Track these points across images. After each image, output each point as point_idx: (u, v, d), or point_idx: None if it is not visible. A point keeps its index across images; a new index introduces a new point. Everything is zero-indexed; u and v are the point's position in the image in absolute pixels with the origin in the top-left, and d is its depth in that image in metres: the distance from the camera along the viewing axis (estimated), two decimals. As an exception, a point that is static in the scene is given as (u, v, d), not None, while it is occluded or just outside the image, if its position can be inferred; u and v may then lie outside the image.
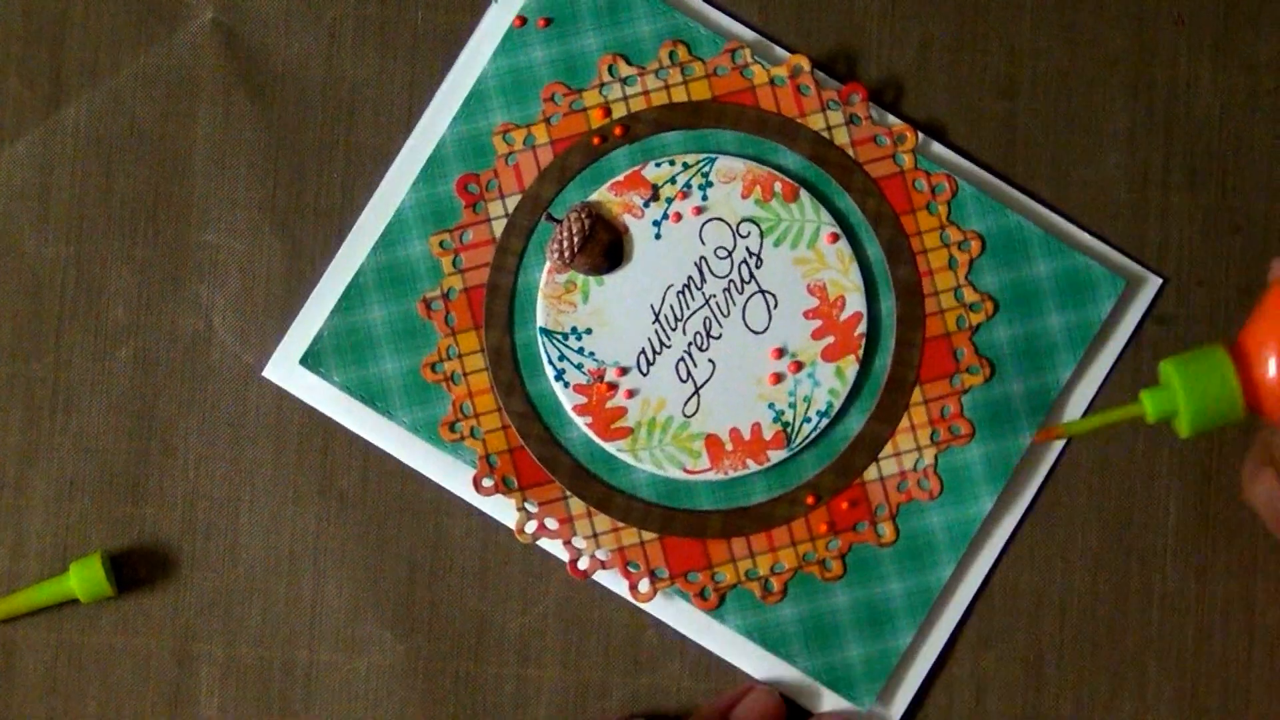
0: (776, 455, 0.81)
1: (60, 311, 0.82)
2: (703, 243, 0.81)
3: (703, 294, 0.81)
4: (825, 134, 0.81)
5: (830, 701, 0.81)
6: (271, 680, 0.82)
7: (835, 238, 0.81)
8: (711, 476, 0.81)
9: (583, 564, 0.81)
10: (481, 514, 0.82)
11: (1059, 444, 0.81)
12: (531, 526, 0.81)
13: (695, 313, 0.81)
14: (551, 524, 0.81)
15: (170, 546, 0.82)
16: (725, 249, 0.81)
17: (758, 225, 0.81)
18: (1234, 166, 0.83)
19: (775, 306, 0.81)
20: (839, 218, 0.81)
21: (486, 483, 0.81)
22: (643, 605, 0.81)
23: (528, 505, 0.81)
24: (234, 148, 0.82)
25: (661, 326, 0.81)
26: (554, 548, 0.82)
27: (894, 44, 0.83)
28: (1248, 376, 0.68)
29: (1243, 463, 0.74)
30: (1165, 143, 0.83)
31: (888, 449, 0.81)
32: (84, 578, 0.80)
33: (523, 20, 0.82)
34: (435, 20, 0.83)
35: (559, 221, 0.81)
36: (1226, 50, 0.83)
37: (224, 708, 0.82)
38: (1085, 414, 0.80)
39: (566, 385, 0.81)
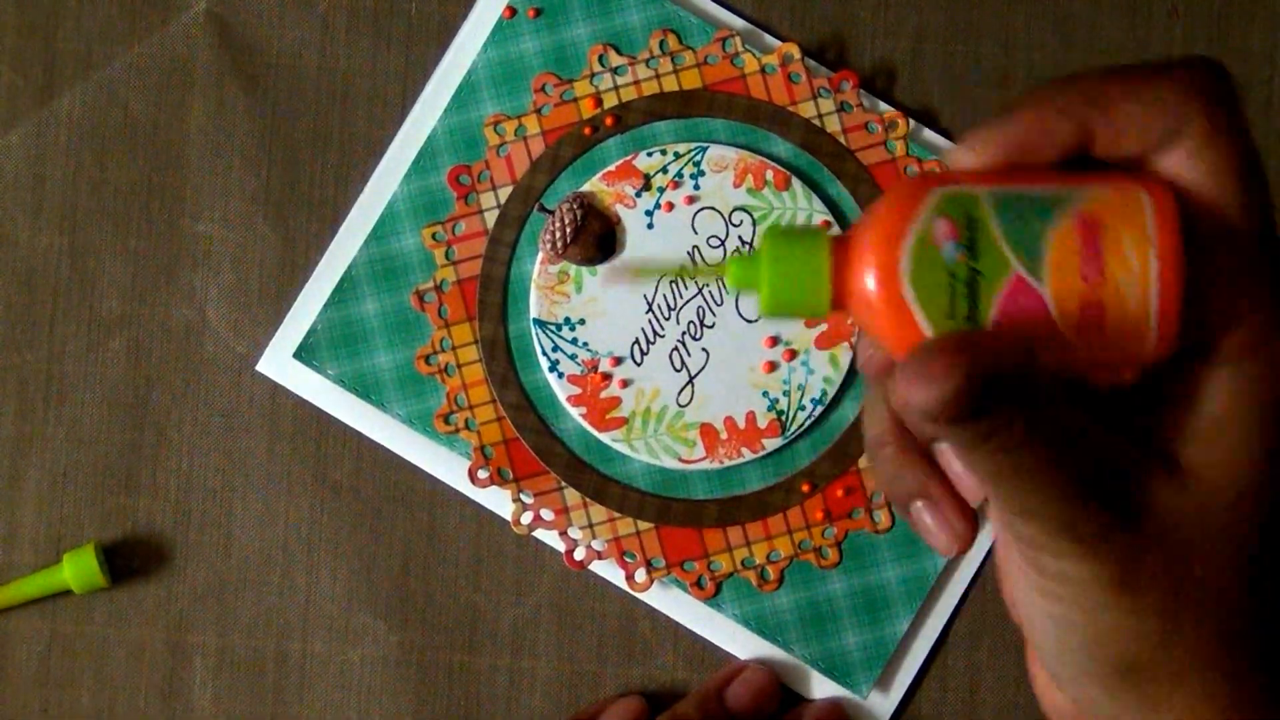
0: (771, 443, 0.81)
1: (53, 302, 0.82)
2: (695, 232, 0.81)
3: (695, 283, 0.81)
4: (816, 121, 0.81)
5: (821, 685, 0.81)
6: (265, 671, 0.82)
7: (828, 225, 0.81)
8: (707, 465, 0.81)
9: (579, 554, 0.81)
10: (475, 505, 0.82)
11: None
12: (528, 518, 0.81)
13: (688, 302, 0.81)
14: (547, 515, 0.81)
15: (163, 537, 0.82)
16: (718, 238, 0.81)
17: (750, 214, 0.81)
18: (1228, 158, 0.83)
19: (768, 295, 0.81)
20: (831, 205, 0.81)
21: (482, 474, 0.81)
22: (639, 595, 0.81)
23: (523, 496, 0.81)
24: (227, 138, 0.83)
25: (655, 316, 0.81)
26: (549, 538, 0.81)
27: (888, 34, 0.83)
28: (844, 273, 0.54)
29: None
30: (1159, 134, 0.83)
31: (882, 436, 0.81)
32: (77, 569, 0.80)
33: (512, 11, 0.82)
34: (429, 10, 0.83)
35: (551, 212, 0.81)
36: (1220, 41, 0.83)
37: (217, 698, 0.82)
38: None
39: (561, 376, 0.81)
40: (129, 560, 0.82)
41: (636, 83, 0.81)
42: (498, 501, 0.82)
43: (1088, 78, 0.53)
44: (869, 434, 0.57)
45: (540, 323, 0.81)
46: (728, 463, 0.81)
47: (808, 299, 0.54)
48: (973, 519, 0.56)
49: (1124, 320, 0.52)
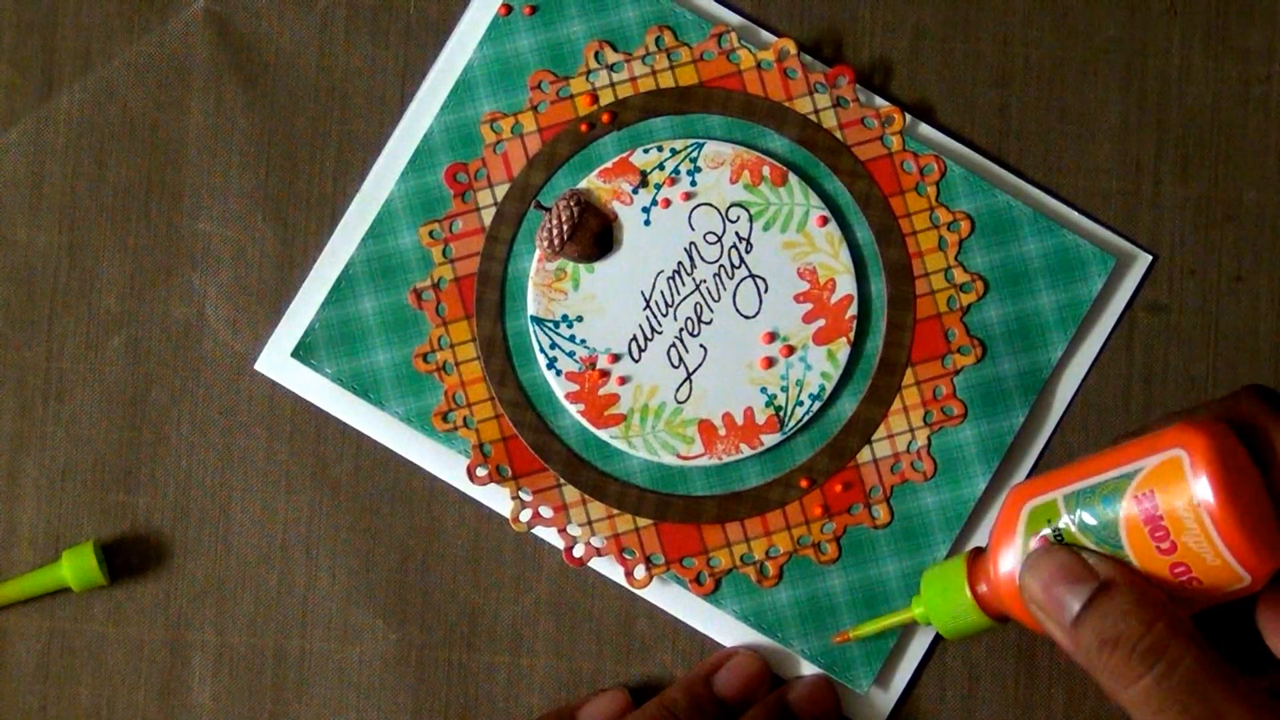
0: (770, 439, 0.81)
1: (52, 300, 0.83)
2: (692, 228, 0.81)
3: (693, 279, 0.81)
4: (813, 117, 0.81)
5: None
6: (264, 669, 0.82)
7: (824, 220, 0.81)
8: (705, 462, 0.81)
9: (578, 551, 0.81)
10: (474, 503, 0.82)
11: (1049, 426, 0.81)
12: (527, 515, 0.81)
13: (686, 298, 0.81)
14: (546, 512, 0.81)
15: (162, 535, 0.82)
16: (715, 234, 0.81)
17: (747, 210, 0.81)
18: (1226, 156, 0.83)
19: (766, 291, 0.81)
20: (828, 200, 0.81)
21: (480, 472, 0.81)
22: (638, 591, 0.81)
23: (522, 494, 0.81)
24: (226, 136, 0.83)
25: (652, 313, 0.81)
26: (548, 536, 0.81)
27: (886, 32, 0.83)
28: (992, 582, 0.67)
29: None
30: (1157, 132, 0.83)
31: (881, 431, 0.81)
32: (76, 566, 0.80)
33: (508, 8, 0.82)
34: (427, 8, 0.83)
35: (548, 209, 0.81)
36: (1219, 39, 0.83)
37: (216, 696, 0.82)
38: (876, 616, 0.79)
39: (558, 373, 0.81)
40: (128, 558, 0.82)
41: (632, 79, 0.82)
42: (496, 499, 0.82)
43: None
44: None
45: (538, 320, 0.81)
46: (726, 459, 0.81)
47: (965, 619, 0.69)
48: None
49: (1208, 569, 0.62)
